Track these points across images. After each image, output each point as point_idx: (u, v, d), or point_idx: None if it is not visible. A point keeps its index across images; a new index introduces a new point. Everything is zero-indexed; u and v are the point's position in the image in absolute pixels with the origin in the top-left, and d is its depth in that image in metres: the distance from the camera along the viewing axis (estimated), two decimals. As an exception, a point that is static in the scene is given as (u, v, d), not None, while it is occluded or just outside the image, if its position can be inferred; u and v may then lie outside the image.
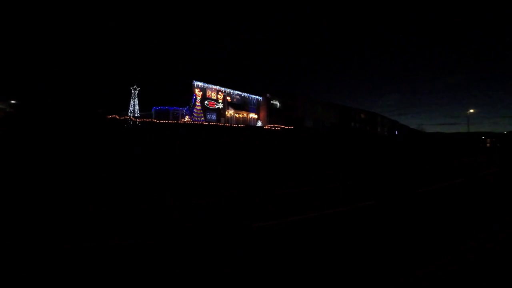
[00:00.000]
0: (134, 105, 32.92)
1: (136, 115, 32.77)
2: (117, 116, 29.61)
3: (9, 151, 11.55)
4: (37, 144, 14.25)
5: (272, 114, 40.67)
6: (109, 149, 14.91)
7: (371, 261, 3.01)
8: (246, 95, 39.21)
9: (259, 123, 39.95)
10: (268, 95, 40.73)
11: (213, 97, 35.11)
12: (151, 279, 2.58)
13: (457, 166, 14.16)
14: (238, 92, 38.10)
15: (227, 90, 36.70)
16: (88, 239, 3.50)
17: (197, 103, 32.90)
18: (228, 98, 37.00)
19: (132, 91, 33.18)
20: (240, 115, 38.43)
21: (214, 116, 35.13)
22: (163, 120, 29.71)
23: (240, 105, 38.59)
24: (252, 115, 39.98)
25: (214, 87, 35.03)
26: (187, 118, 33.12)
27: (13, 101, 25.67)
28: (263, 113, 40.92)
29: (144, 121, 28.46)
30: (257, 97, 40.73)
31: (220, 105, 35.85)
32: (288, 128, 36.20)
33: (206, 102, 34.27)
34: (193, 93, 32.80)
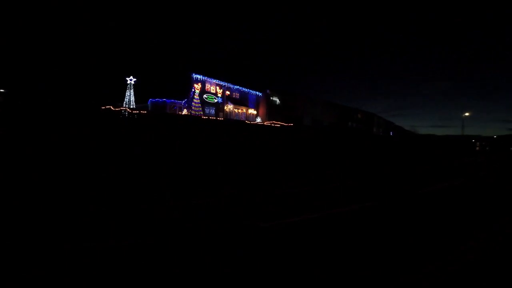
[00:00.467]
0: (129, 96, 31.73)
1: (131, 106, 31.62)
2: (112, 107, 28.48)
3: None
4: (26, 136, 13.60)
5: (271, 111, 40.08)
6: (100, 142, 14.29)
7: (371, 261, 3.03)
8: (246, 90, 38.45)
9: (258, 119, 39.33)
10: (268, 91, 40.08)
11: (212, 91, 34.24)
12: (151, 279, 2.58)
13: (456, 167, 14.51)
14: (238, 87, 37.31)
15: (227, 84, 35.86)
16: (87, 239, 3.47)
17: (195, 97, 31.98)
18: (228, 92, 36.18)
19: (128, 82, 31.97)
20: (239, 111, 37.69)
21: (212, 111, 34.29)
22: (160, 112, 28.75)
23: (240, 100, 37.83)
24: (251, 111, 39.30)
25: (213, 80, 34.13)
26: (185, 112, 32.19)
27: (1, 90, 24.30)
28: (262, 109, 40.29)
29: (140, 113, 27.43)
30: (257, 92, 40.03)
31: (219, 99, 35.01)
32: (288, 125, 35.70)
33: (205, 96, 33.38)
34: (192, 86, 31.85)
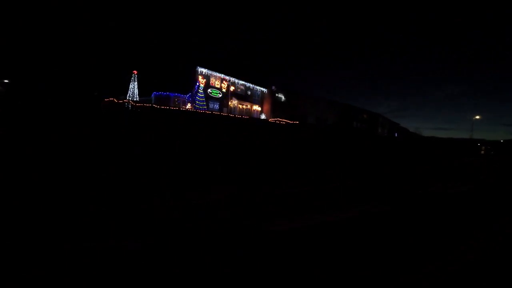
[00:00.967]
0: (133, 88, 31.28)
1: (135, 99, 31.19)
2: (115, 100, 28.05)
3: None
4: (27, 128, 13.36)
5: (276, 108, 39.45)
6: (101, 136, 14.14)
7: (371, 261, 3.00)
8: (251, 85, 37.82)
9: (263, 116, 38.73)
10: (273, 87, 39.42)
11: (216, 86, 33.66)
12: (151, 279, 2.56)
13: (457, 168, 14.43)
14: (243, 82, 36.68)
15: (232, 79, 35.24)
16: (87, 239, 3.43)
17: (200, 91, 31.45)
18: (232, 87, 35.59)
19: (132, 74, 31.49)
20: (244, 106, 37.12)
21: (216, 106, 33.75)
22: (163, 106, 28.27)
23: (244, 96, 37.24)
24: (256, 107, 38.70)
25: (218, 75, 33.54)
26: (188, 106, 31.70)
27: (5, 80, 23.93)
28: (267, 106, 39.66)
29: (143, 105, 26.98)
30: (262, 88, 39.38)
31: (224, 95, 34.45)
32: (293, 123, 35.05)
33: (209, 90, 32.83)
34: (196, 79, 31.31)
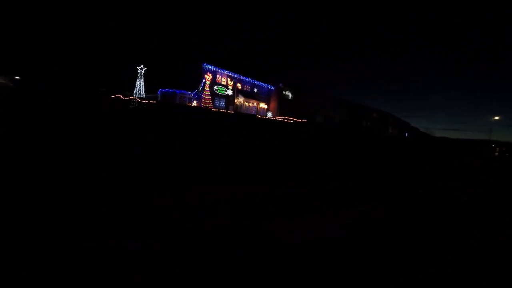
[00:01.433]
0: (140, 85, 31.28)
1: (142, 95, 31.19)
2: (121, 96, 28.07)
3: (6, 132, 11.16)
4: (35, 124, 13.46)
5: (283, 106, 38.81)
6: (108, 134, 14.27)
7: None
8: (258, 83, 37.30)
9: (269, 114, 38.17)
10: (281, 84, 38.76)
11: (223, 83, 33.32)
12: (151, 279, 2.55)
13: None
14: (250, 80, 36.21)
15: (238, 76, 34.82)
16: (87, 239, 3.43)
17: (206, 88, 31.15)
18: (239, 85, 35.17)
19: (139, 71, 31.49)
20: (250, 104, 36.65)
21: (223, 103, 33.42)
22: (169, 103, 28.09)
23: (251, 93, 36.75)
24: (262, 105, 38.16)
25: (224, 72, 33.18)
26: (194, 103, 31.47)
27: (17, 77, 24.17)
28: (273, 104, 39.06)
29: (150, 102, 26.88)
30: (268, 86, 38.80)
31: (230, 92, 34.08)
32: (301, 121, 34.31)
33: (215, 87, 32.52)
34: (202, 76, 31.03)
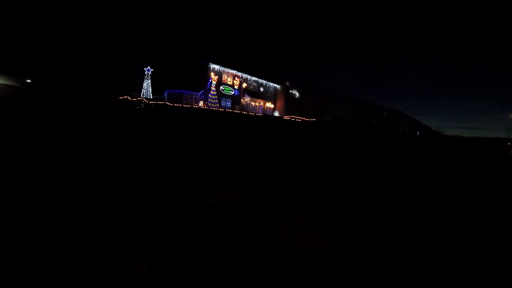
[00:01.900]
0: (147, 86, 31.53)
1: (149, 97, 31.43)
2: (129, 98, 28.35)
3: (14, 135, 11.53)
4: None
5: (290, 105, 38.33)
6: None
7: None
8: (264, 82, 36.99)
9: (276, 113, 37.78)
10: (287, 83, 38.34)
11: (229, 82, 33.19)
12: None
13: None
14: (256, 79, 35.93)
15: (244, 75, 34.60)
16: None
17: (212, 88, 31.08)
18: (245, 84, 34.94)
19: (145, 72, 31.75)
20: (257, 103, 36.37)
21: (229, 103, 33.29)
22: (176, 104, 28.16)
23: (257, 92, 36.47)
24: (269, 104, 37.81)
25: (230, 71, 33.03)
26: (201, 104, 31.43)
27: (28, 80, 24.60)
28: (280, 103, 38.65)
29: (157, 103, 27.01)
30: (275, 85, 38.43)
31: (236, 92, 33.88)
32: (310, 120, 33.70)
33: (221, 87, 32.42)
34: (208, 76, 30.98)
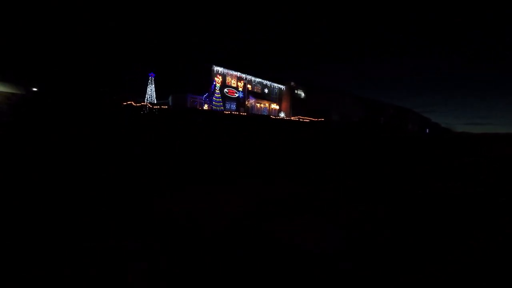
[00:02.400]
0: (151, 91, 31.32)
1: (153, 101, 31.20)
2: (133, 103, 28.14)
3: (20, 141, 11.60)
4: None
5: (295, 105, 37.63)
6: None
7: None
8: (268, 83, 36.44)
9: (282, 114, 37.08)
10: (292, 83, 37.69)
11: (233, 85, 32.74)
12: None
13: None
14: (260, 80, 35.41)
15: (248, 77, 34.13)
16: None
17: (216, 91, 30.65)
18: (249, 86, 34.46)
19: (149, 78, 31.58)
20: (262, 105, 35.78)
21: (233, 106, 32.80)
22: (180, 108, 27.77)
23: (261, 94, 35.89)
24: (274, 105, 37.17)
25: (234, 73, 32.60)
26: (205, 107, 30.99)
27: (34, 89, 24.51)
28: (285, 104, 37.98)
29: (161, 108, 26.68)
30: (279, 86, 37.83)
31: (240, 94, 33.35)
32: (317, 120, 32.85)
33: (225, 90, 31.99)
34: (212, 79, 30.60)
